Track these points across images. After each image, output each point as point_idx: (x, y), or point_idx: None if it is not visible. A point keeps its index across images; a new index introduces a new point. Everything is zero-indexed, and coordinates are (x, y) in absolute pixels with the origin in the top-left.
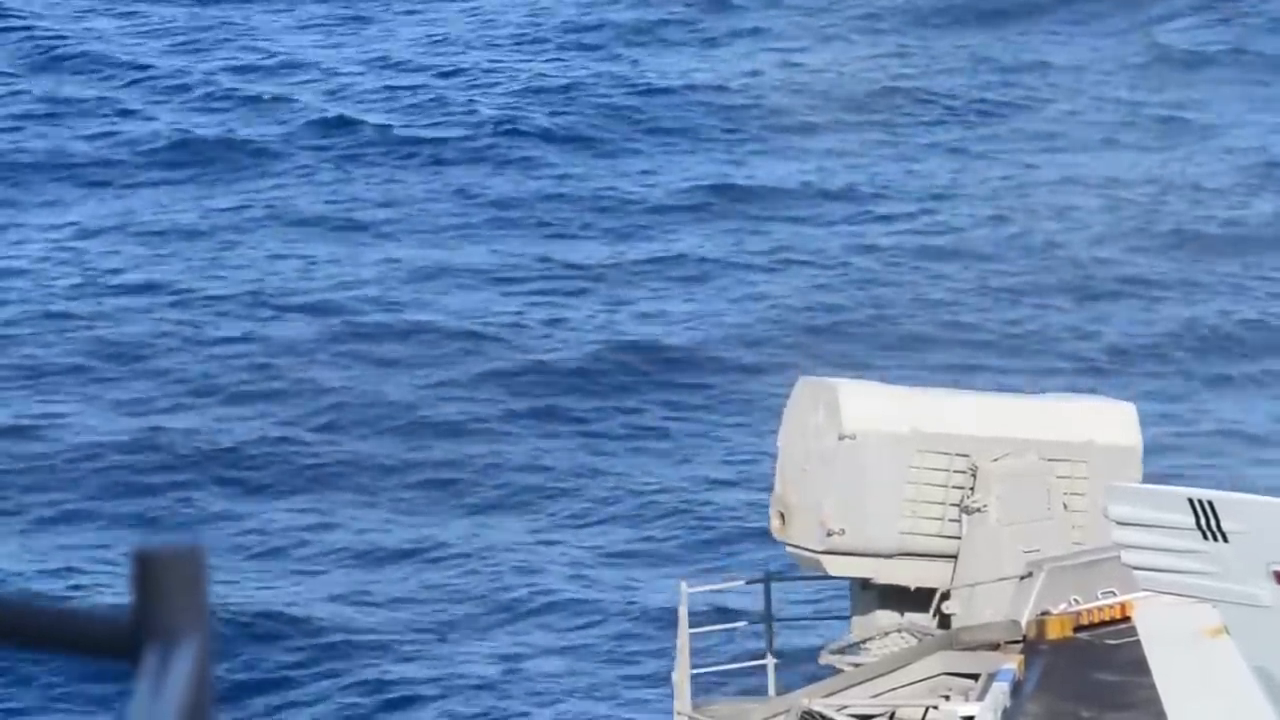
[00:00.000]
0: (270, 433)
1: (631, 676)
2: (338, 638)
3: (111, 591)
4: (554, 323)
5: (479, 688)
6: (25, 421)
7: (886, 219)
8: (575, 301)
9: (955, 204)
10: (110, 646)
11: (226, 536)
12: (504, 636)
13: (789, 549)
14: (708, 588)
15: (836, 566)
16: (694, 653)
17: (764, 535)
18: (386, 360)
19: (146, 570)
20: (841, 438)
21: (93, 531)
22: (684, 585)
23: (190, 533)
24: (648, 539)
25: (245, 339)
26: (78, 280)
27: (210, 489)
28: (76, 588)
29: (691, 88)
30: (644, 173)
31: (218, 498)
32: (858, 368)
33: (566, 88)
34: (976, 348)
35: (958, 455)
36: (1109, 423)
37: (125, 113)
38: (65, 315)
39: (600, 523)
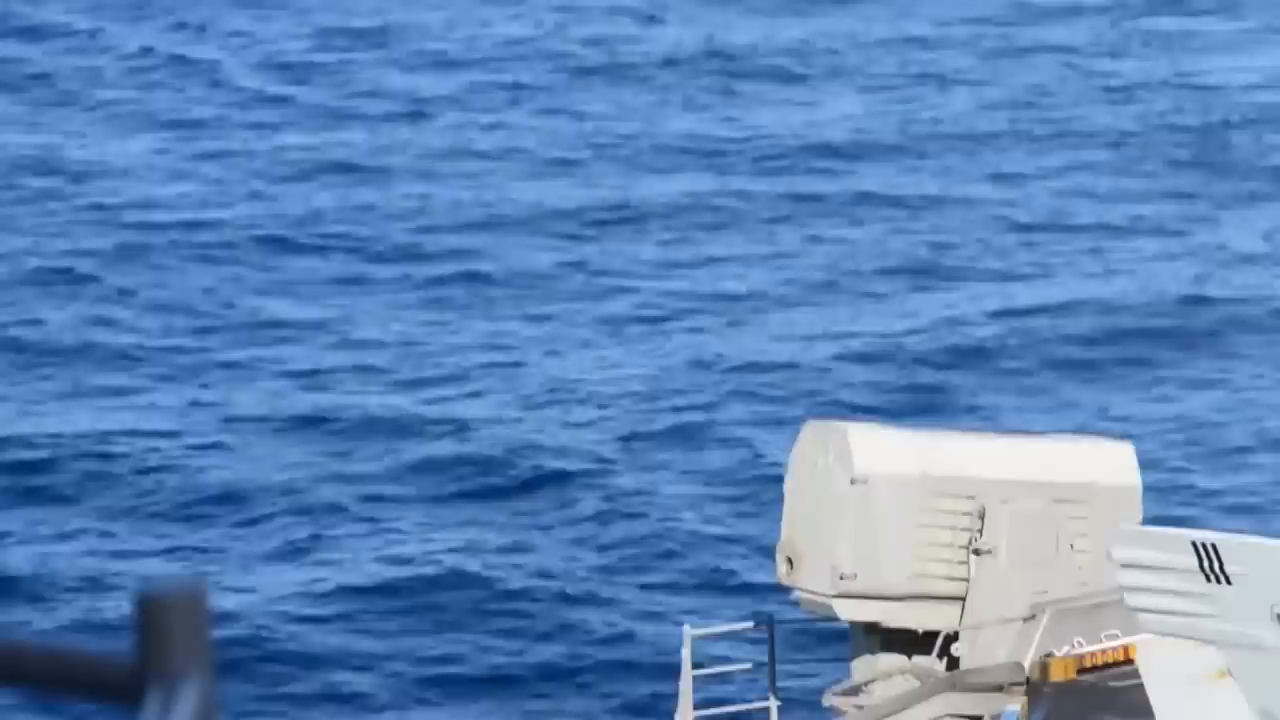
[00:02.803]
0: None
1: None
2: (339, 668)
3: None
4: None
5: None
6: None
7: None
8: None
9: None
10: (113, 689)
11: (229, 549)
12: (505, 668)
13: (798, 594)
14: (711, 630)
15: (847, 611)
16: (696, 695)
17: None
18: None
19: (149, 612)
20: (853, 481)
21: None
22: (687, 629)
23: (194, 571)
24: (653, 576)
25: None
26: None
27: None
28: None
29: None
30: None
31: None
32: None
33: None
34: None
35: (966, 497)
36: (1109, 463)
37: None
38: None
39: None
